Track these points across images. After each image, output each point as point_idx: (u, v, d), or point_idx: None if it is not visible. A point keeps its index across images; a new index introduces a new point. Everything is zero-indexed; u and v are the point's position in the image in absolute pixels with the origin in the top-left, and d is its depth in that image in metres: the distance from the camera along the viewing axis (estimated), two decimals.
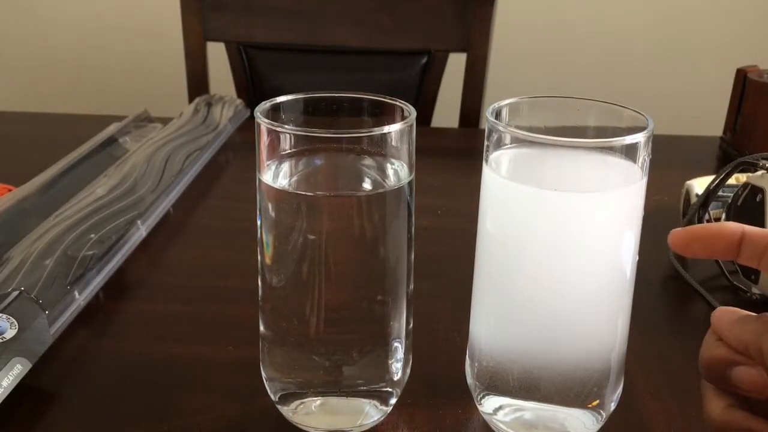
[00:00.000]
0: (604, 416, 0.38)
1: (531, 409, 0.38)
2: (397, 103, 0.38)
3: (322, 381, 0.39)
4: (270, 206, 0.37)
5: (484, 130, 0.37)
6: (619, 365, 0.38)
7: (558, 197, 0.34)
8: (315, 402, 0.39)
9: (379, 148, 0.36)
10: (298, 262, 0.37)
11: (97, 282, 0.53)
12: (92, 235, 0.56)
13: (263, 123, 0.36)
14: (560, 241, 0.35)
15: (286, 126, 0.35)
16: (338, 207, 0.37)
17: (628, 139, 0.34)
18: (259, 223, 0.38)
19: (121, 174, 0.68)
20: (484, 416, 0.40)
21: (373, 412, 0.39)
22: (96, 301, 0.53)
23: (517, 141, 0.35)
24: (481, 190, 0.37)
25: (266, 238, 0.38)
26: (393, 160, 0.37)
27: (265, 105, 0.37)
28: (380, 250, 0.37)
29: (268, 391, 0.40)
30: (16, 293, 0.44)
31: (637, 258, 0.37)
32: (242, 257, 0.60)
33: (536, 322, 0.36)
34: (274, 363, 0.39)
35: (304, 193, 0.37)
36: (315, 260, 0.37)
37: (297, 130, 0.35)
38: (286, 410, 0.40)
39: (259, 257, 0.38)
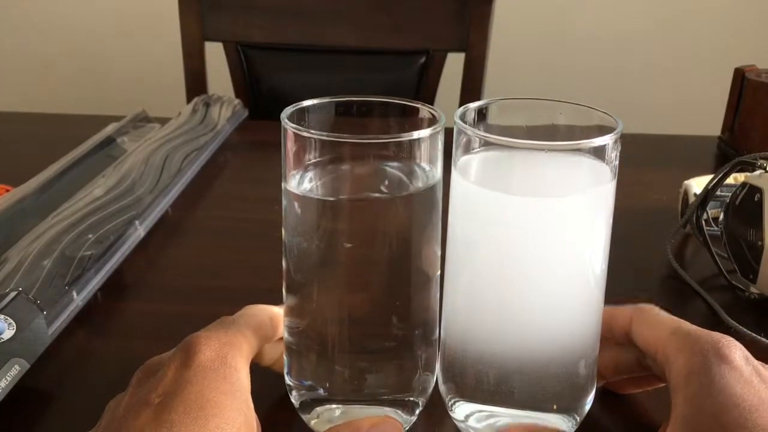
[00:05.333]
0: (578, 420, 0.38)
1: (503, 414, 0.37)
2: (426, 107, 0.37)
3: (345, 389, 0.38)
4: (296, 212, 0.36)
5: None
6: (591, 368, 0.38)
7: (526, 202, 0.34)
8: (337, 410, 0.38)
9: (408, 154, 0.35)
10: (323, 268, 0.36)
11: (95, 282, 0.53)
12: (90, 236, 0.56)
13: (290, 128, 0.35)
14: (529, 245, 0.34)
15: (313, 131, 0.34)
16: (365, 212, 0.36)
17: (597, 141, 0.33)
18: (283, 227, 0.37)
19: (119, 174, 0.68)
20: (456, 423, 0.39)
21: None
22: (94, 301, 0.53)
23: (485, 144, 0.35)
24: (450, 194, 0.37)
25: (291, 243, 0.37)
26: (422, 165, 0.36)
27: (291, 110, 0.36)
28: (410, 255, 0.36)
29: (291, 398, 0.40)
30: (14, 294, 0.43)
31: (607, 262, 0.37)
32: (241, 257, 0.60)
33: (506, 328, 0.36)
34: (297, 370, 0.39)
35: (330, 198, 0.37)
36: (341, 266, 0.36)
37: (325, 135, 0.34)
38: (308, 418, 0.39)
39: (283, 263, 0.38)
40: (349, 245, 0.36)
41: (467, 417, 0.39)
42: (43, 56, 1.73)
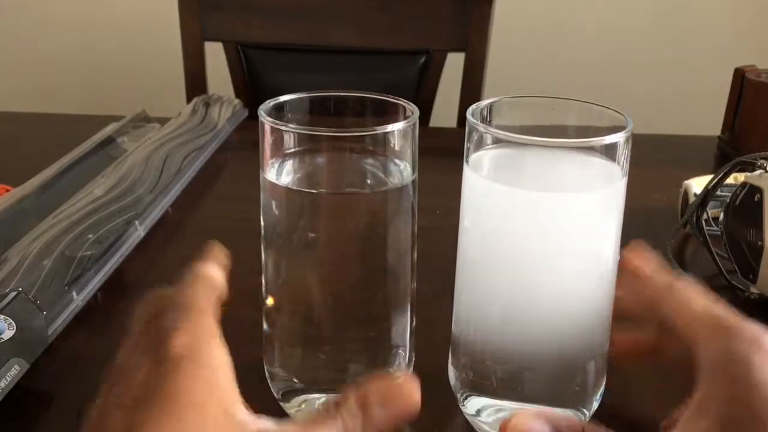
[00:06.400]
0: (587, 415, 0.38)
1: (514, 409, 0.38)
2: (401, 102, 0.38)
3: (325, 378, 0.39)
4: (273, 204, 0.37)
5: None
6: (601, 364, 0.38)
7: (538, 197, 0.34)
8: (318, 399, 0.39)
9: (383, 147, 0.36)
10: (301, 260, 0.37)
11: (95, 282, 0.53)
12: (90, 236, 0.56)
13: (267, 122, 0.36)
14: (540, 241, 0.35)
15: (290, 125, 0.35)
16: (341, 205, 0.37)
17: (608, 139, 0.34)
18: (262, 221, 0.38)
19: (119, 174, 0.68)
20: (467, 417, 0.40)
21: None
22: (94, 301, 0.53)
23: (498, 141, 0.35)
24: (462, 190, 0.37)
25: (269, 236, 0.38)
26: (396, 159, 0.37)
27: (269, 104, 0.37)
28: (384, 247, 0.37)
29: (272, 389, 0.40)
30: (14, 294, 0.43)
31: (619, 258, 0.37)
32: (241, 257, 0.59)
33: (517, 323, 0.36)
34: (278, 361, 0.39)
35: (307, 190, 0.37)
36: (318, 258, 0.37)
37: (301, 129, 0.35)
38: (289, 408, 0.40)
39: (262, 255, 0.38)
40: (324, 237, 0.36)
41: (478, 411, 0.39)
42: (43, 56, 1.73)
